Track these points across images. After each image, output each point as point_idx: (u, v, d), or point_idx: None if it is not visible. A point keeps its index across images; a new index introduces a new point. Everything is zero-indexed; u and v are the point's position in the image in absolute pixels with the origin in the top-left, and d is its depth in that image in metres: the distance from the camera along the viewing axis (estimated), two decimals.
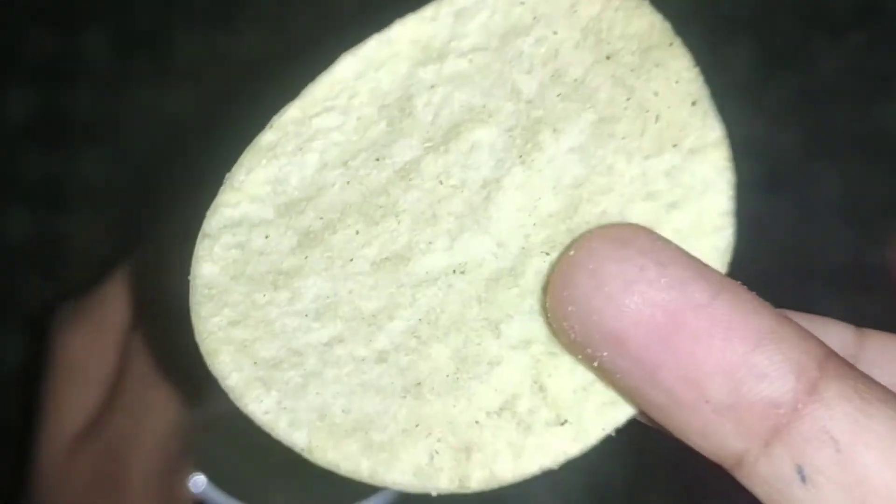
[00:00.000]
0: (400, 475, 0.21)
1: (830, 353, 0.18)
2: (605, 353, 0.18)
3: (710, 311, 0.18)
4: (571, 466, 0.21)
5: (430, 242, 0.21)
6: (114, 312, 0.47)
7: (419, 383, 0.21)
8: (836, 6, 0.73)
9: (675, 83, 0.21)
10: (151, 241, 0.50)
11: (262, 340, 0.21)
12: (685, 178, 0.21)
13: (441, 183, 0.21)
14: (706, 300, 0.18)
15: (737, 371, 0.17)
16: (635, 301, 0.18)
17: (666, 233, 0.21)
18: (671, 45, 0.21)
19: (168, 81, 0.72)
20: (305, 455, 0.21)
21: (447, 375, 0.21)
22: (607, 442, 0.21)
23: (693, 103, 0.21)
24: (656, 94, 0.21)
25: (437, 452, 0.21)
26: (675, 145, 0.21)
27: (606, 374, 0.19)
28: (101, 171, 0.71)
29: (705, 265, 0.19)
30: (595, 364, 0.19)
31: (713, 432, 0.18)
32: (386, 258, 0.21)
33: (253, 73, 0.70)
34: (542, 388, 0.21)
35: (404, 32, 0.19)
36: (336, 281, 0.21)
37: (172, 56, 0.72)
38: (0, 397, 0.63)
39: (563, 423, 0.21)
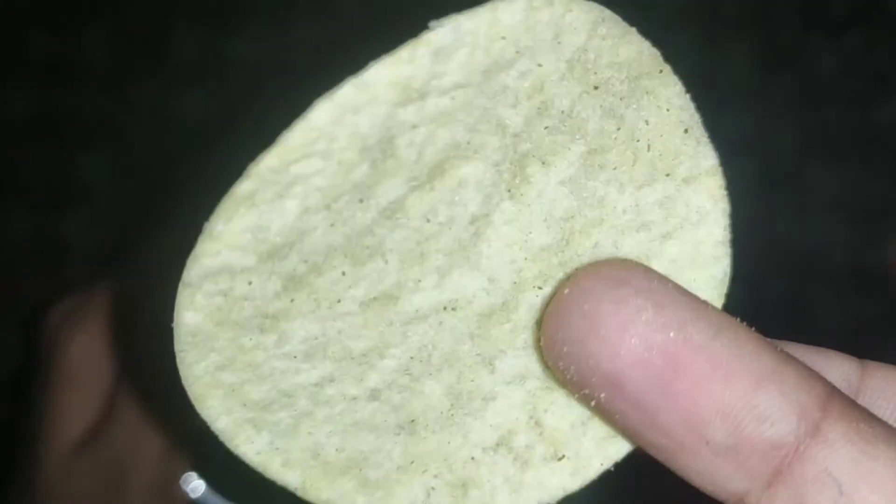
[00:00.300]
0: None
1: (833, 392, 0.17)
2: (602, 395, 0.18)
3: (710, 352, 0.17)
4: (570, 501, 0.21)
5: (418, 280, 0.20)
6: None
7: (413, 420, 0.21)
8: (834, 6, 0.73)
9: (667, 111, 0.20)
10: (144, 250, 0.50)
11: (251, 383, 0.20)
12: (679, 208, 0.20)
13: (428, 221, 0.20)
14: (705, 341, 0.17)
15: (737, 413, 0.17)
16: (633, 343, 0.17)
17: (661, 264, 0.20)
18: (661, 71, 0.20)
19: (168, 82, 0.72)
20: (300, 494, 0.21)
21: (441, 412, 0.21)
22: (606, 477, 0.21)
23: (685, 131, 0.20)
24: (647, 122, 0.20)
25: (433, 489, 0.21)
26: (668, 174, 0.20)
27: (604, 415, 0.19)
28: (100, 171, 0.71)
29: (704, 303, 0.18)
30: (592, 404, 0.19)
31: (714, 473, 0.17)
32: (374, 298, 0.20)
33: (253, 73, 0.70)
34: (538, 424, 0.21)
35: (381, 75, 0.19)
36: (324, 322, 0.20)
37: (172, 57, 0.72)
38: None
39: (560, 458, 0.21)
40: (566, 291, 0.18)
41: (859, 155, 0.71)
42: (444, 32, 0.19)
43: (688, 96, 0.20)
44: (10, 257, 0.70)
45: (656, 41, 0.20)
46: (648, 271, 0.18)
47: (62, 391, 0.46)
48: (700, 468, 0.18)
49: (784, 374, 0.17)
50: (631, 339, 0.17)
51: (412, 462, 0.21)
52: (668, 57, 0.20)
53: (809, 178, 0.70)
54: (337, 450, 0.21)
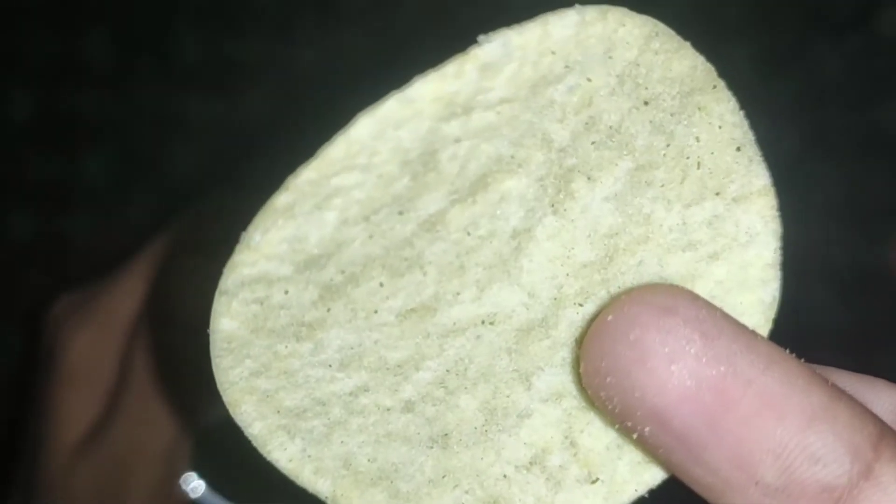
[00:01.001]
0: None
1: (885, 432, 0.17)
2: (646, 429, 0.17)
3: (761, 387, 0.17)
4: None
5: (457, 293, 0.20)
6: (118, 312, 0.47)
7: (446, 434, 0.21)
8: (836, 7, 0.73)
9: (719, 128, 0.20)
10: (160, 245, 0.50)
11: (286, 390, 0.20)
12: (728, 228, 0.20)
13: (468, 234, 0.20)
14: (756, 375, 0.17)
15: (789, 453, 0.16)
16: (681, 377, 0.17)
17: (707, 285, 0.20)
18: (715, 87, 0.20)
19: (170, 83, 0.72)
20: (330, 503, 0.21)
21: (475, 427, 0.21)
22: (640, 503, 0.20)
23: (738, 149, 0.20)
24: (698, 139, 0.20)
25: None
26: (717, 193, 0.20)
27: (646, 448, 0.18)
28: (103, 173, 0.71)
29: (754, 334, 0.18)
30: (634, 436, 0.18)
31: None
32: (412, 309, 0.20)
33: (255, 74, 0.70)
34: (573, 444, 0.20)
35: (425, 91, 0.18)
36: (360, 332, 0.20)
37: (175, 57, 0.72)
38: (1, 396, 0.63)
39: (594, 481, 0.20)
40: (610, 318, 0.18)
41: (861, 156, 0.71)
42: (492, 48, 0.18)
43: (741, 113, 0.20)
44: (12, 258, 0.71)
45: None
46: (696, 298, 0.18)
47: (65, 390, 0.46)
48: None
49: (836, 412, 0.17)
50: (679, 372, 0.17)
51: (444, 476, 0.21)
52: None
53: (811, 179, 0.70)
54: (369, 460, 0.21)
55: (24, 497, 0.47)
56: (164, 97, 0.71)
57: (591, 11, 0.19)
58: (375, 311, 0.20)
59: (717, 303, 0.19)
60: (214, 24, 0.72)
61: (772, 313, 0.20)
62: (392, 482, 0.21)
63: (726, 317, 0.18)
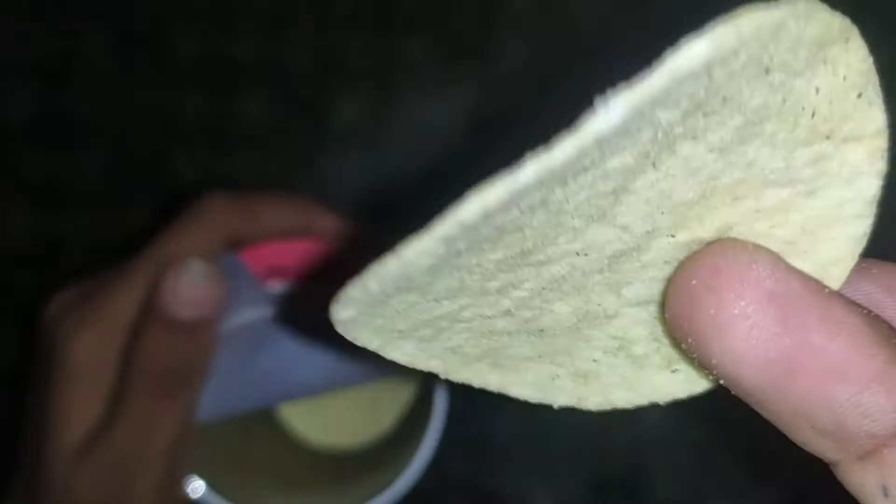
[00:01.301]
0: (525, 388, 0.24)
1: None
2: (719, 379, 0.20)
3: (827, 355, 0.18)
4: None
5: (554, 237, 0.20)
6: (118, 312, 0.46)
7: (542, 330, 0.22)
8: (836, 4, 0.73)
9: (843, 79, 0.18)
10: (161, 243, 0.49)
11: (397, 318, 0.21)
12: (832, 167, 0.19)
13: (567, 202, 0.19)
14: (825, 343, 0.18)
15: (844, 410, 0.18)
16: (756, 350, 0.18)
17: (800, 217, 0.20)
18: (847, 41, 0.18)
19: (168, 82, 0.72)
20: (442, 376, 0.23)
21: (568, 326, 0.22)
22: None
23: (858, 95, 0.18)
24: (817, 90, 0.18)
25: (558, 376, 0.23)
26: (828, 137, 0.19)
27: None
28: (101, 172, 0.71)
29: (829, 298, 0.19)
30: (710, 376, 0.20)
31: (813, 444, 0.20)
32: (510, 256, 0.20)
33: (252, 74, 0.70)
34: (657, 340, 0.22)
35: (565, 152, 0.16)
36: (462, 278, 0.21)
37: (172, 57, 0.72)
38: (1, 396, 0.63)
39: (674, 371, 0.23)
40: (694, 283, 0.19)
41: None
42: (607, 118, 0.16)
43: (870, 59, 0.18)
44: (9, 257, 0.71)
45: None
46: (777, 264, 0.19)
47: (66, 390, 0.45)
48: (800, 438, 0.20)
49: (892, 375, 0.18)
50: (755, 346, 0.19)
51: (540, 356, 0.23)
52: None
53: None
54: (473, 347, 0.23)
55: (25, 498, 0.46)
56: (163, 96, 0.71)
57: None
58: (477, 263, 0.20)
59: (808, 236, 0.20)
60: (213, 23, 0.72)
61: (859, 248, 0.21)
62: (494, 359, 0.23)
63: (804, 281, 0.19)
